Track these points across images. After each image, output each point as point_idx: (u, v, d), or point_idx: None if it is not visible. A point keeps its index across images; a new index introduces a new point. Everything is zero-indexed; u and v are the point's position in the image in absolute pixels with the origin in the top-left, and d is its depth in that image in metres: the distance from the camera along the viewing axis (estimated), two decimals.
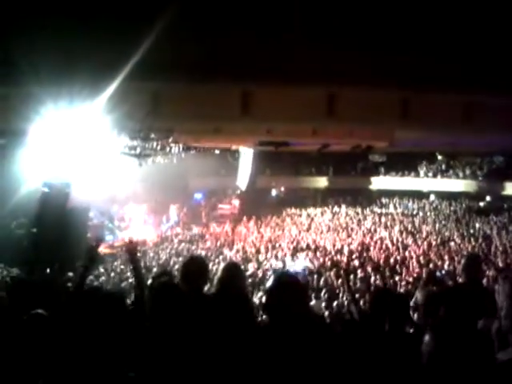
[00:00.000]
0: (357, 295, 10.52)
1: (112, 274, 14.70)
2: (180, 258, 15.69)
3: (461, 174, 27.73)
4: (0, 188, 17.11)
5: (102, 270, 14.81)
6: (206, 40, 7.63)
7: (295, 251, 17.40)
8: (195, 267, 3.94)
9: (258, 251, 17.44)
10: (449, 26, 8.31)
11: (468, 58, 8.53)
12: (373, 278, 12.78)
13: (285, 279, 3.00)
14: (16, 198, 17.47)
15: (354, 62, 7.97)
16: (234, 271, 4.07)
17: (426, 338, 3.12)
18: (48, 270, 13.63)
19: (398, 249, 17.50)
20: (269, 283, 2.98)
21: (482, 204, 26.76)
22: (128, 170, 18.43)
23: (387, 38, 7.78)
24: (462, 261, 5.63)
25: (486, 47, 8.58)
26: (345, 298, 10.92)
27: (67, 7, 7.25)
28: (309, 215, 26.37)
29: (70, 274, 13.18)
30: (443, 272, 13.28)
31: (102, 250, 19.59)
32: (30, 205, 18.23)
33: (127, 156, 11.39)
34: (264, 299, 3.16)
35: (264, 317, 6.67)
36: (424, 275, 13.22)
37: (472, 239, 19.03)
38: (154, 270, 14.31)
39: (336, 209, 27.23)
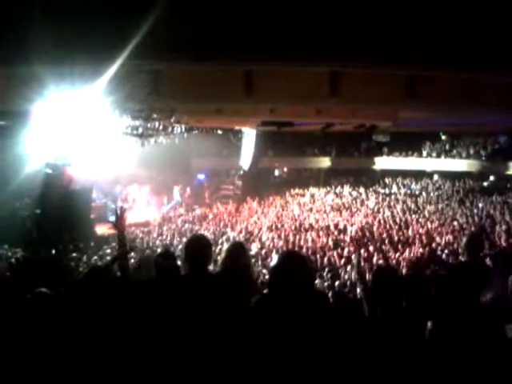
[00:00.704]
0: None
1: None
2: (183, 239, 15.74)
3: (464, 154, 27.60)
4: (3, 169, 17.14)
5: (108, 250, 14.87)
6: (208, 19, 7.53)
7: (298, 231, 17.45)
8: (199, 246, 3.94)
9: (260, 231, 17.48)
10: (454, 3, 8.18)
11: (473, 36, 8.41)
12: (375, 258, 12.81)
13: (290, 256, 3.00)
14: (19, 179, 17.51)
15: (358, 40, 7.87)
16: (238, 251, 4.07)
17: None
18: (52, 251, 13.73)
19: (400, 228, 17.53)
20: (274, 260, 2.99)
21: (485, 184, 26.67)
22: (130, 150, 18.42)
23: (391, 14, 7.67)
24: (464, 239, 5.61)
25: (490, 25, 8.45)
26: (347, 277, 10.99)
27: None
28: (312, 195, 26.36)
29: (74, 254, 13.27)
30: (445, 252, 13.31)
31: (106, 230, 19.69)
32: (34, 186, 18.29)
33: (129, 136, 11.35)
34: (268, 276, 3.17)
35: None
36: (426, 254, 13.36)
37: (476, 218, 19.03)
38: (158, 249, 14.36)
39: (339, 189, 27.19)
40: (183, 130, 14.42)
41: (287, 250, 11.87)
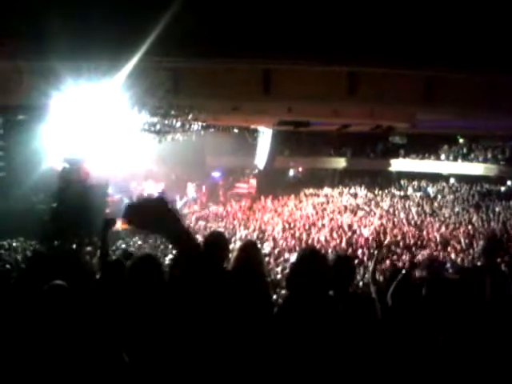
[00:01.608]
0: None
1: (131, 249, 14.82)
2: (197, 236, 15.78)
3: (481, 158, 27.28)
4: (21, 163, 17.34)
5: (123, 245, 14.96)
6: (229, 18, 7.54)
7: (311, 231, 17.41)
8: (216, 241, 3.95)
9: (274, 230, 17.47)
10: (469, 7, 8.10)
11: (491, 40, 8.32)
12: (389, 259, 12.75)
13: (310, 255, 3.01)
14: (37, 173, 17.71)
15: (377, 41, 7.82)
16: (251, 250, 4.07)
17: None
18: (67, 245, 13.85)
19: (415, 231, 17.41)
20: (293, 258, 3.01)
21: (502, 188, 26.36)
22: (147, 146, 18.51)
23: (410, 17, 7.62)
24: (481, 243, 5.53)
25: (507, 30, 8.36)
26: (359, 278, 10.95)
27: None
28: (326, 196, 26.27)
29: (89, 248, 13.39)
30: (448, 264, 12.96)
31: (121, 226, 19.80)
32: (51, 180, 18.47)
33: (147, 133, 11.42)
34: (288, 273, 3.17)
35: (283, 292, 6.68)
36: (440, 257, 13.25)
37: (492, 223, 18.83)
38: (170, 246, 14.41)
39: (354, 190, 27.06)
40: (200, 127, 14.44)
41: (307, 247, 11.81)
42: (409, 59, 8.56)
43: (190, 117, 11.09)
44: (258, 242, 14.87)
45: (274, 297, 7.78)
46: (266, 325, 3.02)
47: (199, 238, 4.96)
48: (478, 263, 5.76)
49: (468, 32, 8.02)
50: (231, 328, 3.14)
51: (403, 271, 4.70)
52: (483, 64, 8.46)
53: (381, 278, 10.13)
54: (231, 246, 4.19)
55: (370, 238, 16.05)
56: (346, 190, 27.14)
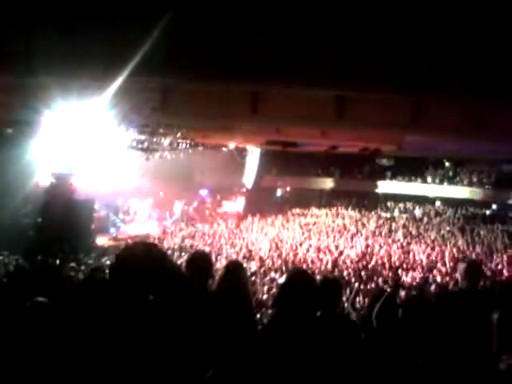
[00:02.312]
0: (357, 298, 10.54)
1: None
2: (183, 254, 15.73)
3: (467, 181, 27.60)
4: (9, 177, 17.22)
5: (107, 262, 14.84)
6: (217, 38, 7.62)
7: (298, 251, 17.42)
8: (199, 262, 3.95)
9: (260, 250, 17.45)
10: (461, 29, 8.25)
11: (479, 66, 8.47)
12: (374, 282, 12.77)
13: (299, 275, 3.03)
14: (24, 187, 17.61)
15: (364, 65, 7.93)
16: (235, 269, 4.07)
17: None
18: (51, 260, 13.73)
19: (401, 252, 17.50)
20: (282, 279, 3.04)
21: (487, 212, 26.65)
22: (134, 163, 18.50)
23: (398, 40, 7.74)
24: (461, 266, 5.53)
25: (497, 58, 8.52)
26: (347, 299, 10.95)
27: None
28: (313, 216, 26.35)
29: (72, 264, 13.27)
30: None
31: (106, 241, 19.70)
32: (37, 194, 18.39)
33: (134, 150, 11.43)
34: (276, 293, 3.19)
35: (270, 312, 6.67)
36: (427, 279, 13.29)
37: (477, 246, 18.98)
38: None
39: (341, 211, 27.18)
40: (188, 145, 14.48)
41: (297, 267, 11.80)
42: (397, 84, 8.67)
43: (177, 135, 11.12)
44: (245, 260, 14.85)
45: (259, 316, 7.77)
46: (249, 344, 3.02)
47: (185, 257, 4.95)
48: (460, 287, 5.78)
49: (454, 58, 8.17)
50: (214, 348, 3.13)
51: (387, 292, 4.73)
52: (469, 90, 8.59)
53: (366, 300, 10.15)
54: (217, 265, 4.20)
55: (356, 260, 16.09)
56: (333, 211, 27.24)
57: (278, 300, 3.03)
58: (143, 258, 2.65)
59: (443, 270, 14.76)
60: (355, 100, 9.97)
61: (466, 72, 8.31)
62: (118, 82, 8.35)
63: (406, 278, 13.74)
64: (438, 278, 13.54)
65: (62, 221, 15.96)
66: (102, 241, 19.49)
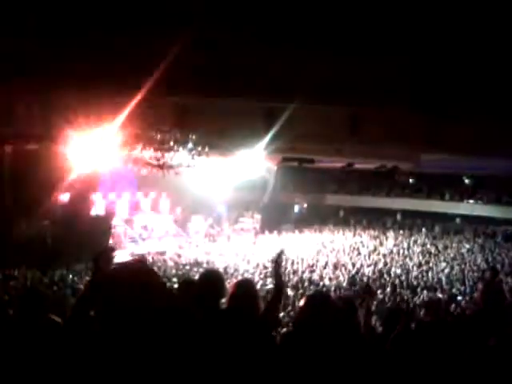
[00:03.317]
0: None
1: None
2: (200, 269, 15.74)
3: (486, 199, 27.25)
4: (29, 192, 17.46)
5: None
6: (231, 56, 7.73)
7: (315, 268, 17.32)
8: (211, 280, 3.95)
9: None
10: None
11: (487, 87, 8.44)
12: (391, 299, 12.62)
13: (318, 299, 3.04)
14: (44, 202, 17.87)
15: (378, 82, 7.96)
16: (245, 288, 4.06)
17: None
18: (69, 274, 13.87)
19: (419, 271, 17.28)
20: (302, 301, 3.06)
21: (508, 230, 26.24)
22: (153, 179, 18.67)
23: (410, 57, 7.77)
24: (479, 286, 5.48)
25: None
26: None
27: (95, 20, 7.44)
28: (330, 232, 26.23)
29: (88, 278, 13.40)
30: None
31: (124, 258, 19.82)
32: (56, 209, 18.64)
33: (151, 167, 11.57)
34: (296, 316, 3.21)
35: (284, 330, 6.63)
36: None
37: (497, 265, 18.64)
38: (174, 279, 14.37)
39: (358, 228, 27.02)
40: (204, 162, 14.59)
41: (316, 291, 11.73)
42: (414, 101, 8.69)
43: (194, 152, 11.24)
44: (262, 277, 14.81)
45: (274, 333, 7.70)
46: (264, 362, 3.02)
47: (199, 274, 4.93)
48: (478, 308, 5.71)
49: (467, 76, 8.16)
50: (227, 368, 3.12)
51: (402, 315, 4.64)
52: (481, 108, 8.57)
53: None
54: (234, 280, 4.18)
55: (374, 277, 15.93)
56: (350, 227, 27.08)
57: (298, 324, 3.05)
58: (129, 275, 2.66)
59: (462, 289, 14.53)
60: (369, 118, 9.98)
61: (480, 91, 8.29)
62: (137, 96, 8.51)
63: (424, 297, 13.54)
64: (459, 298, 13.32)
65: (80, 236, 16.13)
66: (119, 257, 19.61)
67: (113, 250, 3.97)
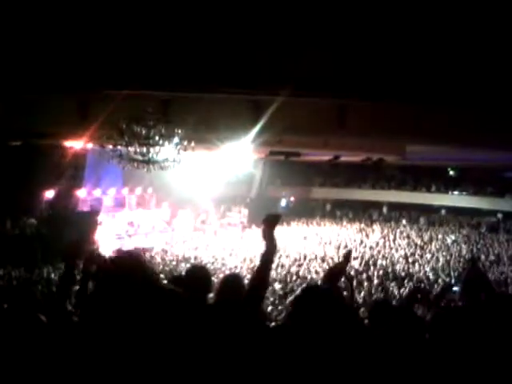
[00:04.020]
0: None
1: None
2: (187, 265, 15.69)
3: (472, 190, 27.50)
4: (15, 189, 17.27)
5: None
6: (216, 48, 7.66)
7: (302, 261, 17.36)
8: (198, 275, 3.92)
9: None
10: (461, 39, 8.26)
11: (479, 79, 8.47)
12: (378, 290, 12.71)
13: (313, 291, 3.01)
14: (29, 198, 17.72)
15: (365, 74, 7.95)
16: (232, 283, 4.03)
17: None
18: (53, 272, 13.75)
19: (406, 262, 17.40)
20: (297, 293, 3.01)
21: (492, 220, 26.54)
22: (138, 175, 18.54)
23: (397, 49, 7.77)
24: (463, 276, 5.42)
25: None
26: None
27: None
28: (317, 225, 26.31)
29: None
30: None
31: (110, 254, 19.70)
32: (42, 206, 18.50)
33: (136, 162, 11.45)
34: (290, 308, 3.16)
35: (272, 324, 6.62)
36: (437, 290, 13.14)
37: (481, 256, 18.85)
38: (161, 275, 14.30)
39: (345, 221, 27.14)
40: (190, 156, 14.50)
41: (311, 283, 11.71)
42: (397, 93, 8.69)
43: (179, 147, 11.15)
44: (249, 271, 14.80)
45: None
46: (254, 357, 2.99)
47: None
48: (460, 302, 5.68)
49: (452, 68, 8.18)
50: (214, 363, 3.09)
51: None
52: (466, 99, 8.60)
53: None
54: (221, 276, 4.15)
55: (360, 270, 16.00)
56: (337, 220, 27.18)
57: (292, 317, 3.01)
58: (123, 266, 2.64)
59: (447, 280, 14.65)
60: (356, 109, 9.97)
61: (466, 82, 8.32)
62: (123, 92, 8.41)
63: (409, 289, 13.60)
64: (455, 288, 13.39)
65: (65, 233, 15.97)
66: (106, 253, 19.51)
67: (78, 242, 3.91)
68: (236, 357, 3.13)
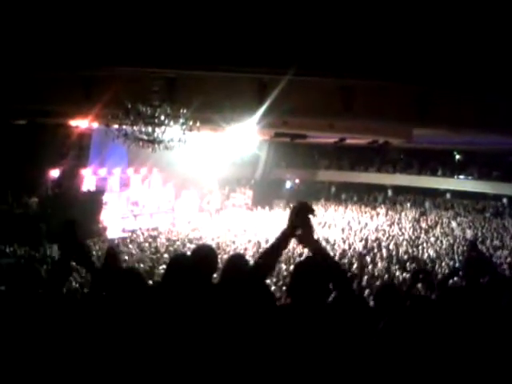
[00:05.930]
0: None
1: (125, 257, 14.74)
2: (192, 245, 15.76)
3: (477, 174, 27.35)
4: (20, 166, 17.30)
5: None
6: (222, 29, 7.59)
7: None
8: (203, 255, 3.93)
9: (267, 241, 17.42)
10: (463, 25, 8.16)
11: (482, 60, 8.38)
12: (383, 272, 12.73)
13: (309, 263, 3.01)
14: (34, 176, 17.76)
15: (371, 56, 7.87)
16: (237, 263, 4.04)
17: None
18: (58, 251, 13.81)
19: (410, 246, 17.40)
20: (293, 266, 3.02)
21: (498, 205, 26.43)
22: (144, 155, 18.52)
23: (404, 31, 7.68)
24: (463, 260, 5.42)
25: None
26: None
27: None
28: (322, 208, 26.29)
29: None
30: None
31: (117, 234, 19.81)
32: (47, 185, 18.54)
33: (142, 142, 11.44)
34: (288, 283, 3.16)
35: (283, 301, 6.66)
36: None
37: (485, 241, 18.83)
38: (165, 255, 14.37)
39: (350, 203, 27.11)
40: (196, 137, 14.46)
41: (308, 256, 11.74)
42: (404, 75, 8.62)
43: (184, 127, 11.11)
44: (254, 252, 14.87)
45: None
46: (258, 336, 3.00)
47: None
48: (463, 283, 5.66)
49: (459, 51, 8.09)
50: (218, 343, 3.11)
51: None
52: (472, 83, 8.52)
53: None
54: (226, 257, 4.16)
55: (365, 252, 16.02)
56: (342, 203, 27.15)
57: (292, 289, 3.01)
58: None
59: (451, 264, 14.66)
60: (362, 91, 9.89)
61: (473, 65, 8.24)
62: (127, 70, 8.36)
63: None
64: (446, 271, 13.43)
65: (70, 212, 16.03)
66: (112, 233, 19.72)
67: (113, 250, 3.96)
68: (239, 334, 3.15)
